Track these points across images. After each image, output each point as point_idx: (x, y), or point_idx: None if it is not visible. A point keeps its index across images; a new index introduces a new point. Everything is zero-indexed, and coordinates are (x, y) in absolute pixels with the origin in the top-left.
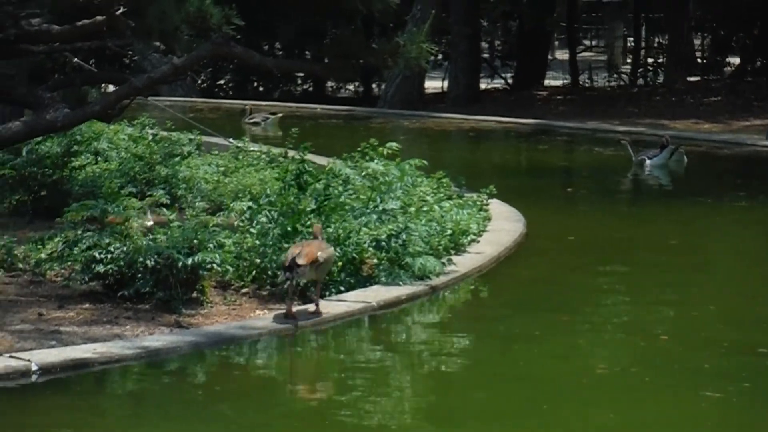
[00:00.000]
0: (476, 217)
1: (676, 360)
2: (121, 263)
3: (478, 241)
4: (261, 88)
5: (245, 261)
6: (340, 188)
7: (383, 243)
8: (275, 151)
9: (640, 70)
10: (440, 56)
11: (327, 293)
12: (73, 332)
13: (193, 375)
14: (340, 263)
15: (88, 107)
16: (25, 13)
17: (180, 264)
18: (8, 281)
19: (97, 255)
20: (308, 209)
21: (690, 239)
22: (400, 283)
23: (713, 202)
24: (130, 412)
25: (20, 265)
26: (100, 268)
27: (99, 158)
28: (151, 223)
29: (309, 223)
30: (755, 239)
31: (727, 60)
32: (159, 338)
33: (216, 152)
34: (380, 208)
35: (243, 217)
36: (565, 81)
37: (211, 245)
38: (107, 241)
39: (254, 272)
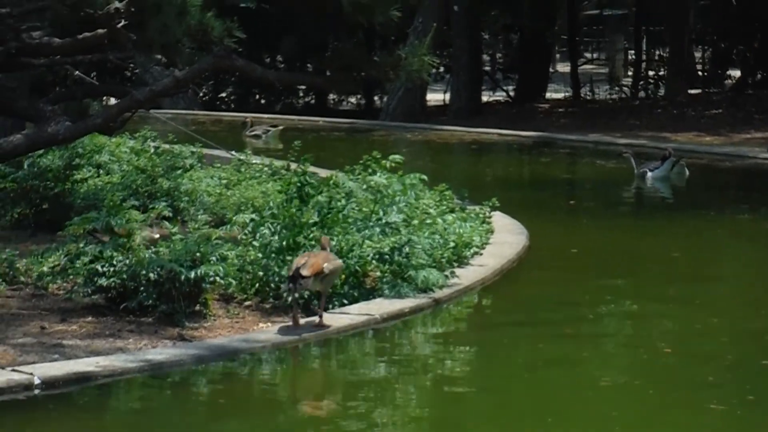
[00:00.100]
0: (479, 230)
1: (680, 373)
2: (124, 276)
3: (481, 254)
4: (263, 101)
5: (248, 274)
6: (343, 201)
7: (386, 256)
8: (277, 163)
9: (641, 82)
10: (442, 69)
11: (330, 306)
12: (75, 345)
13: (196, 388)
14: (343, 276)
15: (90, 120)
16: (26, 26)
17: (183, 277)
18: (10, 295)
19: (99, 268)
20: (311, 222)
21: (692, 252)
22: (403, 295)
23: (715, 215)
24: (134, 425)
25: (22, 279)
26: (103, 281)
27: (101, 171)
28: (157, 236)
29: (312, 235)
30: (758, 252)
31: (728, 73)
32: (162, 351)
33: (218, 165)
34: (383, 220)
35: (246, 230)
36: (567, 93)
37: (213, 258)
38: (110, 254)
39: (257, 285)
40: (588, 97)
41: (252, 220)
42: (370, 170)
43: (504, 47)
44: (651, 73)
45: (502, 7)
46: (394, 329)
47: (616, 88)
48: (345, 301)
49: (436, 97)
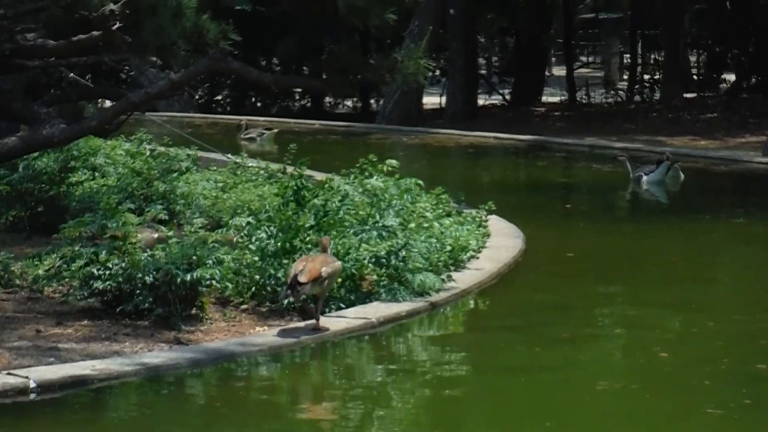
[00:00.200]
0: (475, 234)
1: (677, 377)
2: (120, 279)
3: (478, 258)
4: (259, 104)
5: (244, 277)
6: (339, 204)
7: (383, 259)
8: (274, 166)
9: (637, 86)
10: (438, 72)
11: (327, 309)
12: (71, 349)
13: (192, 392)
14: (339, 279)
15: (85, 122)
16: (20, 27)
17: (179, 280)
18: (5, 298)
19: (95, 271)
20: (307, 225)
21: (689, 256)
22: (400, 299)
23: (711, 219)
24: (130, 429)
25: (17, 282)
26: (99, 285)
27: (96, 174)
28: (156, 235)
29: (308, 239)
30: (754, 255)
31: (723, 77)
32: (158, 355)
33: (214, 168)
34: (380, 224)
35: (242, 233)
36: (563, 97)
37: (210, 261)
38: (105, 257)
39: (253, 288)
40: (584, 101)
41: (248, 223)
42: (366, 174)
43: (500, 50)
44: (646, 76)
45: (498, 10)
46: (391, 333)
47: (612, 92)
48: (342, 305)
49: (432, 100)
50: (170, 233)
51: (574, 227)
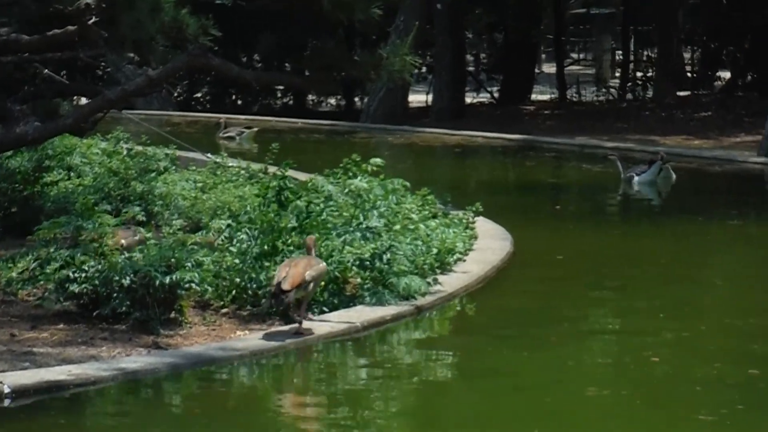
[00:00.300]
0: (462, 236)
1: (668, 382)
2: (96, 282)
3: (465, 260)
4: (239, 102)
5: (225, 280)
6: (322, 205)
7: (367, 262)
8: (255, 166)
9: (629, 84)
10: (424, 69)
11: (310, 313)
12: (47, 353)
13: (171, 397)
14: (323, 282)
15: (60, 120)
16: None
17: (157, 283)
18: None
19: (71, 274)
20: (289, 227)
21: (681, 258)
22: (385, 303)
23: (704, 220)
24: None
25: None
26: (75, 288)
27: (72, 174)
28: (138, 237)
29: (290, 241)
30: (748, 257)
31: (718, 74)
32: (136, 359)
33: (193, 168)
34: (364, 225)
35: (222, 235)
36: (553, 95)
37: (189, 264)
38: (81, 259)
39: (234, 292)
40: (574, 99)
41: (228, 225)
42: (350, 174)
43: (488, 47)
44: (639, 74)
45: (486, 5)
46: (376, 337)
47: (603, 90)
48: (325, 309)
49: (418, 98)
50: (148, 235)
51: (564, 229)
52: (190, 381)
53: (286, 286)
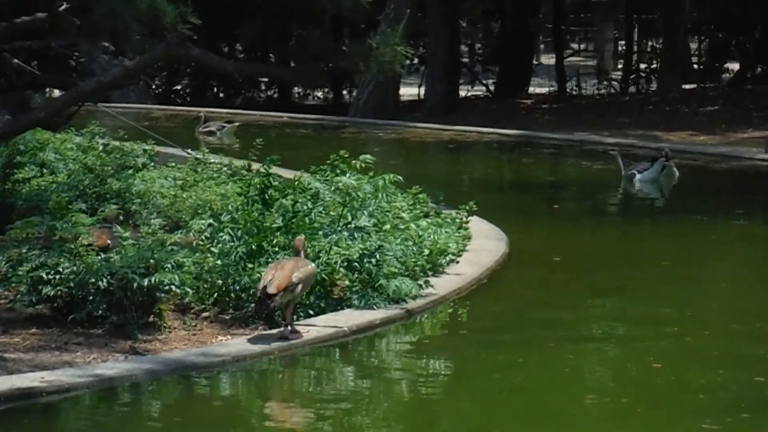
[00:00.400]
0: (455, 236)
1: (670, 389)
2: (71, 284)
3: (458, 262)
4: (221, 94)
5: (206, 283)
6: (309, 204)
7: (355, 263)
8: (237, 163)
9: (632, 76)
10: (416, 60)
11: (295, 317)
12: (18, 359)
13: (149, 406)
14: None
15: (32, 114)
16: None
17: (135, 285)
18: None
19: (44, 276)
20: (274, 226)
21: (684, 260)
22: (374, 306)
23: (709, 220)
24: None
25: None
26: (48, 290)
27: (45, 170)
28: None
29: (275, 241)
30: (753, 259)
31: (726, 66)
32: (113, 366)
33: (173, 164)
34: (352, 225)
35: (203, 235)
36: (551, 88)
37: (168, 265)
38: (56, 260)
39: (216, 295)
40: (574, 92)
41: (210, 224)
42: (338, 171)
43: (484, 36)
44: (642, 66)
45: None
46: (364, 342)
47: (605, 83)
48: (311, 312)
49: (409, 91)
50: (126, 234)
51: (562, 229)
52: (170, 388)
53: (271, 290)
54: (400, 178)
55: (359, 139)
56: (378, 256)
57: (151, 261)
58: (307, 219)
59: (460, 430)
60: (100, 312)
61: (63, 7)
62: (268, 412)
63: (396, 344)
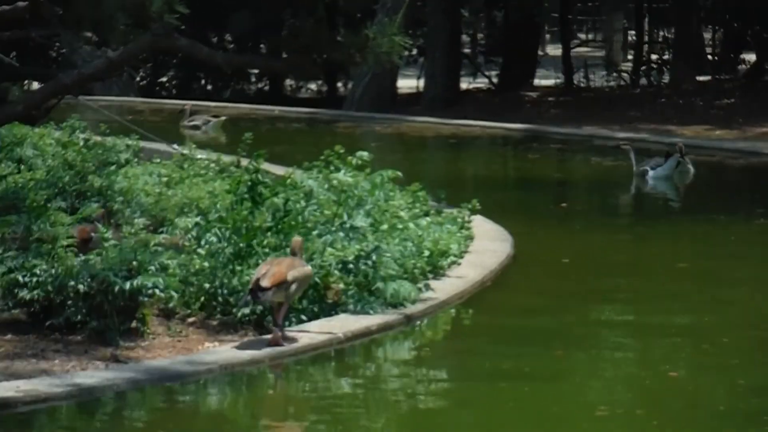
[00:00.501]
0: (457, 236)
1: (688, 400)
2: (49, 288)
3: (460, 264)
4: (209, 87)
5: (192, 286)
6: (302, 202)
7: (351, 265)
8: (226, 159)
9: (643, 68)
10: (415, 51)
11: (287, 323)
12: None
13: (132, 417)
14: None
15: (9, 107)
16: None
17: (117, 289)
18: None
19: (20, 278)
20: (264, 226)
21: (700, 262)
22: (370, 311)
23: (727, 219)
24: None
25: None
26: (25, 294)
27: (22, 167)
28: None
29: (266, 242)
30: None
31: (742, 57)
32: (93, 374)
33: (158, 160)
34: (348, 225)
35: (189, 236)
36: (558, 80)
37: (152, 268)
38: (32, 262)
39: (202, 299)
40: (582, 85)
41: (197, 224)
42: (332, 167)
43: (486, 26)
44: (654, 57)
45: None
46: (360, 350)
47: (614, 75)
48: (304, 318)
49: (408, 83)
50: (107, 234)
51: (570, 229)
52: (153, 398)
53: (265, 283)
54: (399, 173)
55: (355, 133)
56: (375, 258)
57: (134, 263)
58: (300, 218)
59: None
60: (79, 317)
61: None
62: (257, 425)
63: (394, 352)
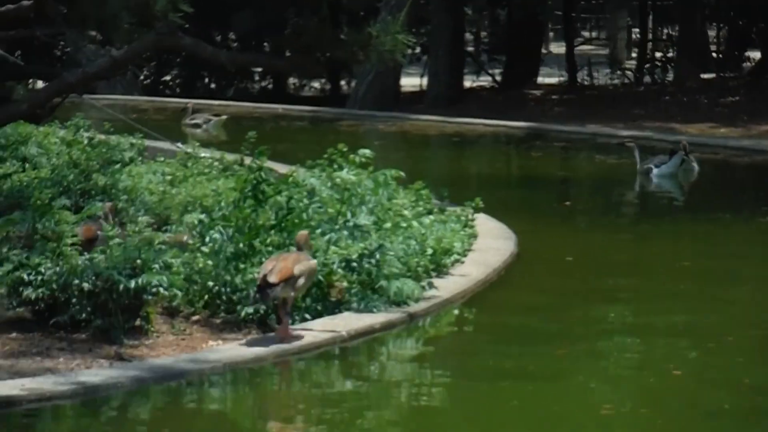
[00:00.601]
0: (460, 235)
1: (692, 399)
2: (54, 286)
3: (463, 262)
4: (213, 85)
5: (196, 284)
6: (305, 201)
7: (354, 263)
8: (230, 158)
9: (647, 65)
10: (418, 49)
11: (290, 321)
12: None
13: (136, 416)
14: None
15: (14, 106)
16: None
17: (121, 287)
18: None
19: (25, 277)
20: (268, 224)
21: (704, 261)
22: (374, 309)
23: (731, 218)
24: None
25: None
26: (30, 292)
27: (27, 165)
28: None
29: (269, 240)
30: None
31: (747, 54)
32: (97, 373)
33: (162, 159)
34: (351, 223)
35: (193, 234)
36: (562, 78)
37: (156, 266)
38: (37, 261)
39: (206, 297)
40: (586, 83)
41: (200, 222)
42: (336, 166)
43: (490, 24)
44: (658, 54)
45: None
46: (363, 348)
47: (618, 72)
48: (307, 316)
49: (411, 81)
50: (112, 232)
51: (574, 227)
52: (157, 397)
53: (273, 279)
54: (402, 173)
55: (358, 132)
56: (378, 256)
57: (138, 261)
58: (302, 217)
59: None
60: (84, 315)
61: None
62: (261, 423)
63: (397, 350)
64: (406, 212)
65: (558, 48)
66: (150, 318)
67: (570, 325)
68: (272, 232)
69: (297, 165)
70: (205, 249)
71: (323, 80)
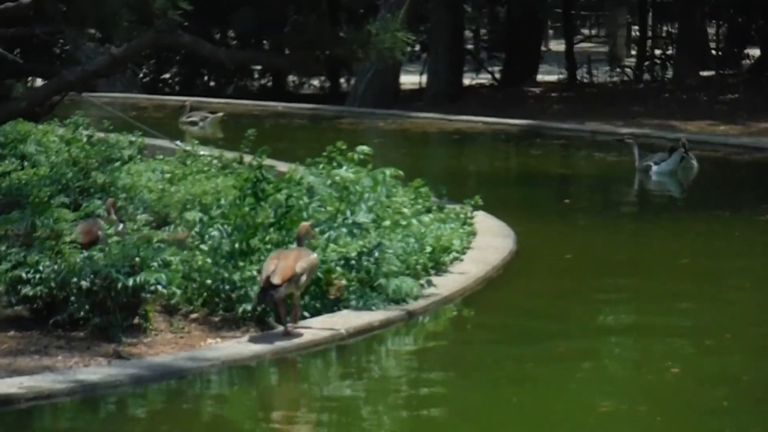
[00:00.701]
0: (459, 232)
1: (690, 397)
2: (52, 285)
3: (462, 260)
4: (212, 83)
5: (194, 282)
6: (304, 199)
7: (353, 261)
8: (229, 155)
9: (647, 63)
10: (418, 47)
11: (287, 318)
12: None
13: (134, 414)
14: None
15: (13, 104)
16: None
17: (120, 285)
18: None
19: (23, 275)
20: (267, 222)
21: (703, 259)
22: (373, 307)
23: (731, 216)
24: None
25: None
26: (28, 290)
27: (26, 163)
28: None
29: (268, 238)
30: None
31: (746, 52)
32: (95, 371)
33: (161, 157)
34: (350, 221)
35: (192, 232)
36: (561, 76)
37: (155, 264)
38: (36, 258)
39: (205, 295)
40: (585, 80)
41: (199, 220)
42: (335, 163)
43: (489, 22)
44: (657, 52)
45: None
46: (362, 346)
47: (618, 70)
48: (306, 314)
49: (410, 79)
50: (110, 231)
51: (573, 225)
52: (156, 395)
53: (276, 280)
54: (401, 172)
55: (357, 129)
56: (377, 254)
57: (137, 259)
58: (304, 214)
59: None
60: (82, 314)
61: None
62: (259, 421)
63: (396, 348)
64: (405, 210)
65: (557, 45)
66: (148, 316)
67: (569, 322)
68: (271, 230)
69: (296, 163)
70: (204, 247)
71: (323, 78)
